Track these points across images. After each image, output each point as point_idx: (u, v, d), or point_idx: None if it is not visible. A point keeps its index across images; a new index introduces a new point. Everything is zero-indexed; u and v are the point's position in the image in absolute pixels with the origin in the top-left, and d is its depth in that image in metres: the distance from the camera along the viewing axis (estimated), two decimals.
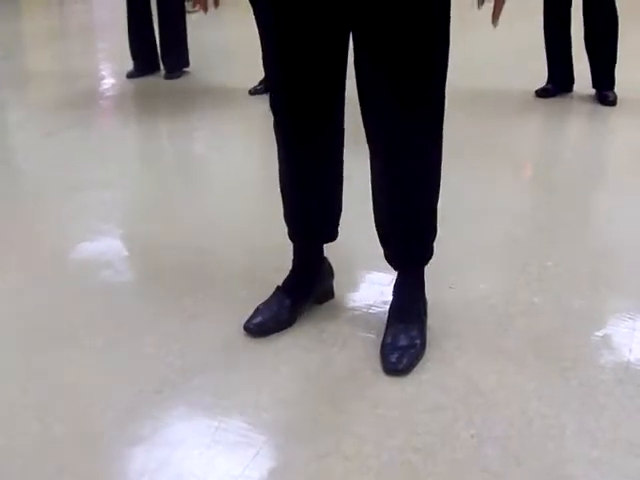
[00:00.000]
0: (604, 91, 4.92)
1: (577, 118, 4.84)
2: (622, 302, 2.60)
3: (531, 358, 2.28)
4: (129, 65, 5.72)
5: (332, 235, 2.47)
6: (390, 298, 2.45)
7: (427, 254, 2.34)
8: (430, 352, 2.29)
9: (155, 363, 2.28)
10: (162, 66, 5.77)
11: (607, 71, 4.90)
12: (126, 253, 3.04)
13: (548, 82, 5.14)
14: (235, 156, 4.07)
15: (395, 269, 2.38)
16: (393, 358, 2.23)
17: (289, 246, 2.49)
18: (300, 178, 2.36)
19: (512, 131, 4.48)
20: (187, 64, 5.80)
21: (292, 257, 2.49)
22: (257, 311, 2.42)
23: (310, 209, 2.41)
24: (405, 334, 2.28)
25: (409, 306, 2.35)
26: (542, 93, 5.11)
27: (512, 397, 2.11)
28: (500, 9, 2.05)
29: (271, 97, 2.29)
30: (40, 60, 6.51)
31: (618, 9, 4.74)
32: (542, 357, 2.29)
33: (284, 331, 2.40)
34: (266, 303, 2.44)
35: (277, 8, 2.14)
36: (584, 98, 5.01)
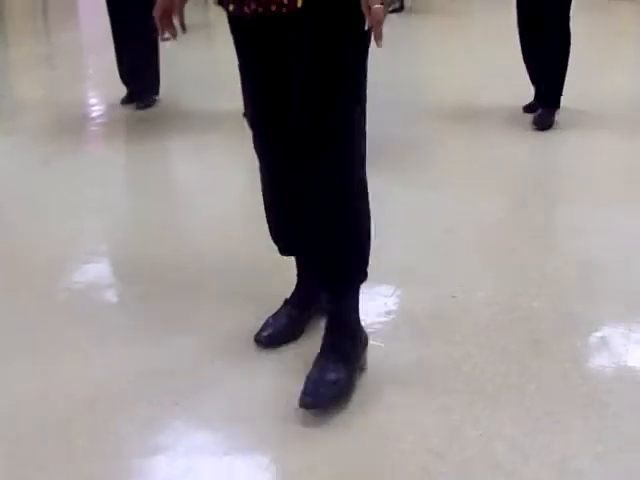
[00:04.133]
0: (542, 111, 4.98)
1: (563, 131, 4.95)
2: (617, 306, 2.69)
3: (533, 360, 2.37)
4: (118, 92, 5.68)
5: None
6: (393, 309, 2.55)
7: (354, 277, 2.30)
8: (437, 359, 2.38)
9: (170, 377, 2.35)
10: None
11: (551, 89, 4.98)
12: (127, 273, 3.10)
13: (535, 97, 5.25)
14: (227, 176, 4.14)
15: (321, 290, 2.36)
16: (308, 398, 2.15)
17: (291, 261, 2.57)
18: (277, 189, 2.43)
19: (503, 146, 4.57)
20: (157, 92, 5.66)
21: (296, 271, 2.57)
22: (266, 324, 2.50)
23: (287, 222, 2.47)
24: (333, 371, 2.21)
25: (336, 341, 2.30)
26: (529, 109, 5.22)
27: (517, 397, 2.20)
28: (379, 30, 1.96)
29: (246, 112, 2.40)
30: (30, 88, 6.52)
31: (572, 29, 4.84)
32: (544, 359, 2.38)
33: (293, 342, 2.48)
34: (275, 316, 2.52)
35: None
36: (571, 111, 5.12)
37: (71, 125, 5.28)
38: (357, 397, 2.22)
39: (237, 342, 2.49)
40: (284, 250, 2.56)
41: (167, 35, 2.35)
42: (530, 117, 5.05)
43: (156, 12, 2.31)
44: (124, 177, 4.41)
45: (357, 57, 2.18)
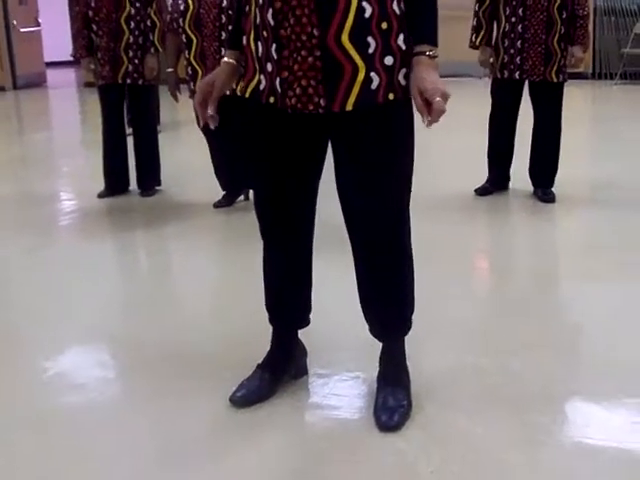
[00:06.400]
0: (545, 189, 5.41)
1: (518, 211, 5.37)
2: (555, 361, 3.02)
3: (481, 407, 2.68)
4: (95, 187, 5.94)
5: (306, 322, 2.85)
6: (356, 373, 2.91)
7: (406, 327, 2.69)
8: None
9: (156, 440, 2.60)
10: (137, 185, 5.99)
11: (549, 173, 5.41)
12: (114, 351, 3.33)
13: (487, 181, 5.60)
14: (205, 262, 4.43)
15: (380, 341, 2.72)
16: (384, 417, 2.57)
17: (262, 334, 2.85)
18: (280, 277, 2.75)
19: (460, 227, 4.93)
20: (159, 183, 6.06)
21: (270, 339, 2.84)
22: (241, 385, 2.76)
23: (287, 302, 2.79)
24: (393, 396, 2.63)
25: (394, 371, 2.70)
26: (482, 191, 5.56)
27: (464, 439, 2.50)
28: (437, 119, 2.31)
29: (256, 207, 2.66)
30: (5, 186, 6.65)
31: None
32: (489, 405, 2.69)
33: (265, 402, 2.74)
34: (248, 379, 2.78)
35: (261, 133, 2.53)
36: (520, 194, 5.51)
37: (50, 218, 5.52)
38: (324, 447, 2.51)
39: (219, 405, 2.73)
40: (283, 325, 2.83)
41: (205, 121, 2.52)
42: (482, 199, 5.43)
43: (196, 98, 2.51)
44: (109, 263, 4.64)
45: (409, 154, 2.51)
